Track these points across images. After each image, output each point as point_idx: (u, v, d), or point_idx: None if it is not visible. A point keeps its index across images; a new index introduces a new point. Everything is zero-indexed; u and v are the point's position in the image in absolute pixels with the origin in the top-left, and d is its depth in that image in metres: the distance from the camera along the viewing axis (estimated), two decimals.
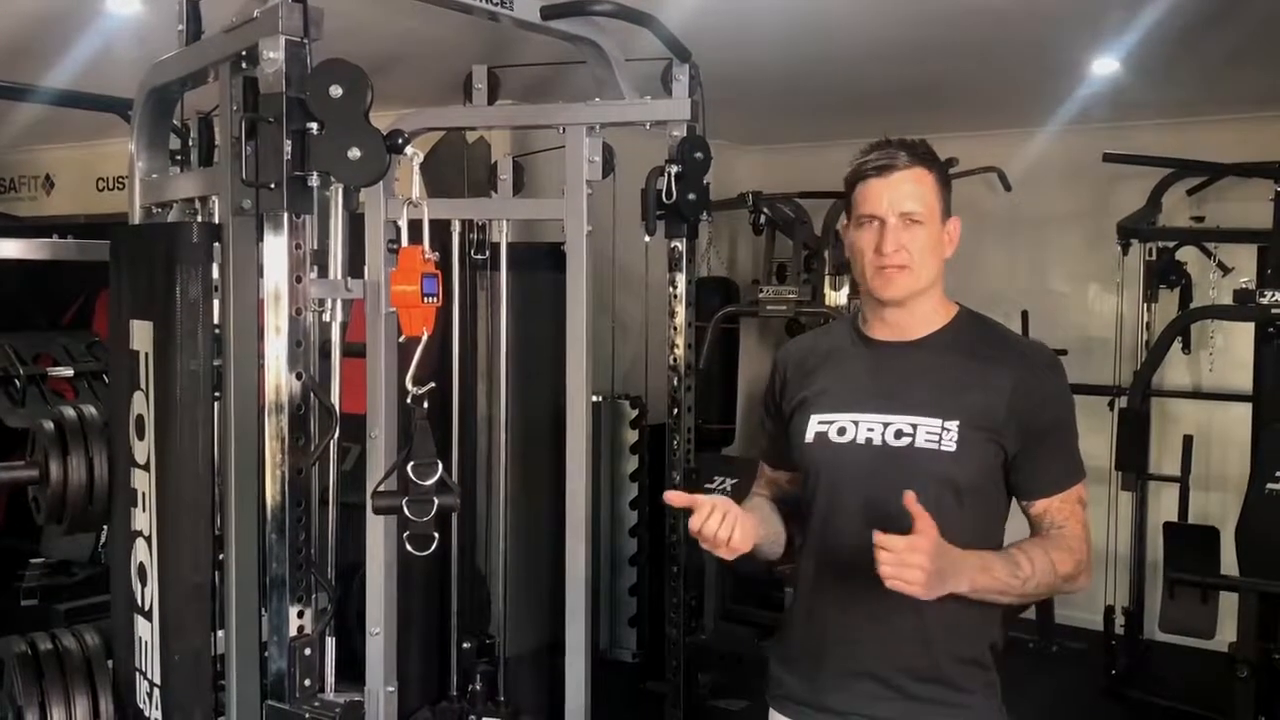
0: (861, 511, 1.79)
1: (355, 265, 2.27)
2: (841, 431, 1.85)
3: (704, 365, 4.68)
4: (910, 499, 1.64)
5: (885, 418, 1.82)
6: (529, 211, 3.77)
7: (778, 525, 1.99)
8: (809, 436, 1.88)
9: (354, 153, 1.90)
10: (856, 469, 1.83)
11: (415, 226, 1.95)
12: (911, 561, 1.60)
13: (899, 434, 1.80)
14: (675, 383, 3.62)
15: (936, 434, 1.77)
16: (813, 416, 1.89)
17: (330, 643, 2.15)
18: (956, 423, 1.77)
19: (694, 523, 1.71)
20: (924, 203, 1.80)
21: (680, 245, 3.51)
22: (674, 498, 1.76)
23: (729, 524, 1.71)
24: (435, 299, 1.90)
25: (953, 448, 1.76)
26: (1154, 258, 5.09)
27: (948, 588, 1.66)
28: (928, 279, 1.83)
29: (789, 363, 2.01)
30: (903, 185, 1.80)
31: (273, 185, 1.93)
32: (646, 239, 3.41)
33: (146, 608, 2.21)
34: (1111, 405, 4.99)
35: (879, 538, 1.62)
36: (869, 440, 1.82)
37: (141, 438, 2.20)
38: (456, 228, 3.58)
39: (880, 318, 1.88)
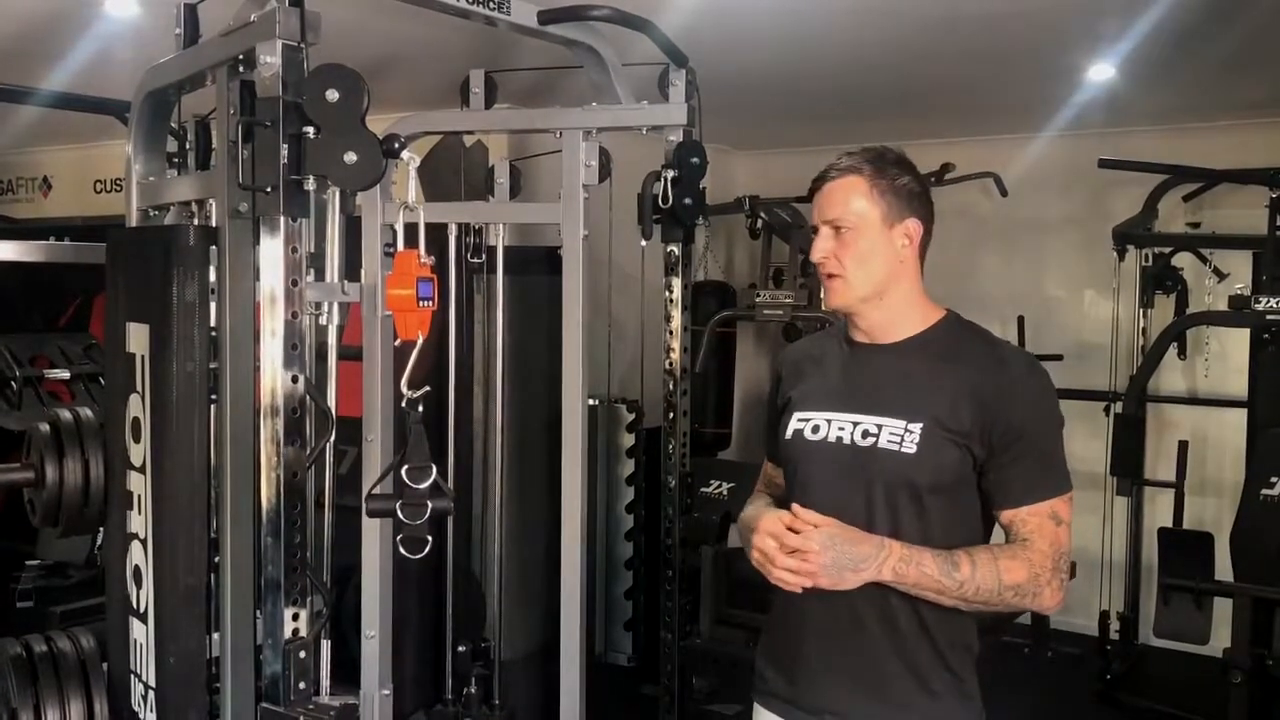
0: (829, 508, 1.80)
1: (352, 269, 2.28)
2: (815, 429, 1.88)
3: (700, 369, 4.67)
4: (796, 509, 1.76)
5: (856, 417, 1.84)
6: (526, 215, 3.77)
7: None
8: (788, 434, 1.92)
9: (350, 157, 1.90)
10: (824, 466, 1.86)
11: (411, 230, 1.95)
12: (794, 559, 1.71)
13: (865, 434, 1.82)
14: (671, 387, 3.63)
15: (899, 435, 1.78)
16: (795, 414, 1.93)
17: (325, 645, 2.15)
18: (920, 425, 1.77)
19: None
20: (850, 210, 1.82)
21: (676, 249, 3.52)
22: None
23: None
24: (430, 303, 1.91)
25: (913, 450, 1.77)
26: (1150, 263, 5.10)
27: (862, 577, 1.72)
28: (868, 286, 1.84)
29: (785, 363, 2.06)
30: (832, 193, 1.84)
31: (269, 189, 1.93)
32: (643, 243, 3.43)
33: (141, 610, 2.21)
34: (1107, 411, 5.00)
35: (761, 550, 1.76)
36: (839, 439, 1.84)
37: (137, 440, 2.20)
38: (453, 231, 3.58)
39: (854, 324, 1.92)
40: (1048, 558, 1.76)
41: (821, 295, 5.24)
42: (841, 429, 1.84)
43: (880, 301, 1.85)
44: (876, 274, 1.83)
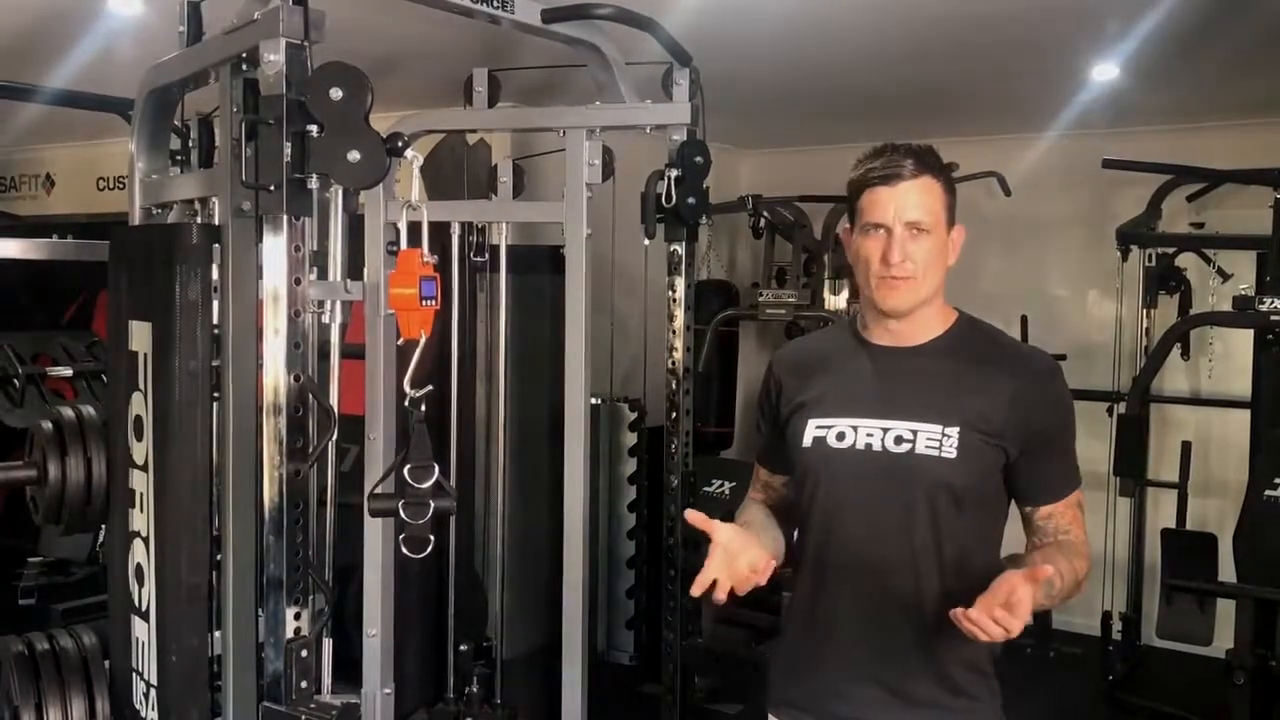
0: (863, 517, 1.79)
1: (355, 267, 2.28)
2: (840, 436, 1.83)
3: (703, 368, 4.67)
4: (1044, 568, 1.60)
5: (885, 423, 1.80)
6: (529, 214, 3.77)
7: (776, 531, 1.98)
8: (807, 441, 1.86)
9: (354, 155, 1.91)
10: (856, 475, 1.81)
11: (414, 229, 1.95)
12: (1006, 622, 1.57)
13: (899, 440, 1.78)
14: (674, 385, 3.62)
15: (937, 440, 1.76)
16: (810, 421, 1.87)
17: (327, 644, 2.15)
18: (957, 428, 1.76)
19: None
20: (931, 212, 1.78)
21: (679, 248, 3.51)
22: (694, 518, 1.71)
23: (721, 568, 1.67)
24: (433, 302, 1.91)
25: (953, 454, 1.75)
26: (1153, 263, 5.08)
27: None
28: (930, 289, 1.81)
29: (785, 365, 1.99)
30: (910, 195, 1.77)
31: (272, 187, 1.94)
32: (646, 242, 3.42)
33: (144, 608, 2.21)
34: (1110, 411, 4.99)
35: (980, 618, 1.58)
36: (869, 445, 1.80)
37: (140, 438, 2.20)
38: (456, 230, 3.58)
39: (881, 325, 1.87)
40: (1086, 546, 1.81)
41: (828, 293, 5.25)
42: (870, 435, 1.80)
43: (925, 305, 1.83)
44: (938, 277, 1.82)
